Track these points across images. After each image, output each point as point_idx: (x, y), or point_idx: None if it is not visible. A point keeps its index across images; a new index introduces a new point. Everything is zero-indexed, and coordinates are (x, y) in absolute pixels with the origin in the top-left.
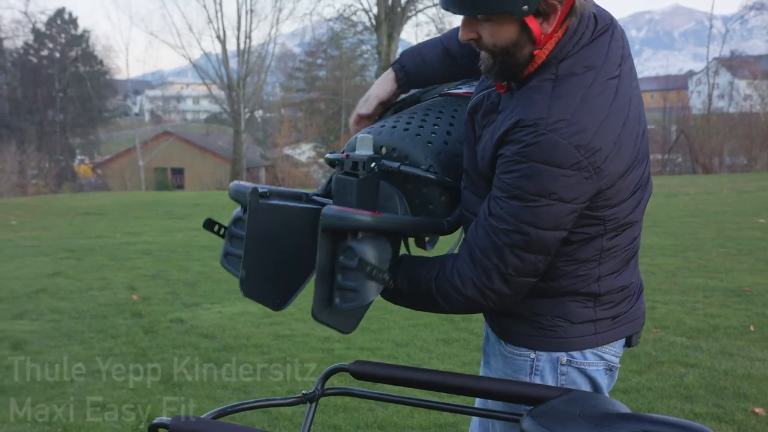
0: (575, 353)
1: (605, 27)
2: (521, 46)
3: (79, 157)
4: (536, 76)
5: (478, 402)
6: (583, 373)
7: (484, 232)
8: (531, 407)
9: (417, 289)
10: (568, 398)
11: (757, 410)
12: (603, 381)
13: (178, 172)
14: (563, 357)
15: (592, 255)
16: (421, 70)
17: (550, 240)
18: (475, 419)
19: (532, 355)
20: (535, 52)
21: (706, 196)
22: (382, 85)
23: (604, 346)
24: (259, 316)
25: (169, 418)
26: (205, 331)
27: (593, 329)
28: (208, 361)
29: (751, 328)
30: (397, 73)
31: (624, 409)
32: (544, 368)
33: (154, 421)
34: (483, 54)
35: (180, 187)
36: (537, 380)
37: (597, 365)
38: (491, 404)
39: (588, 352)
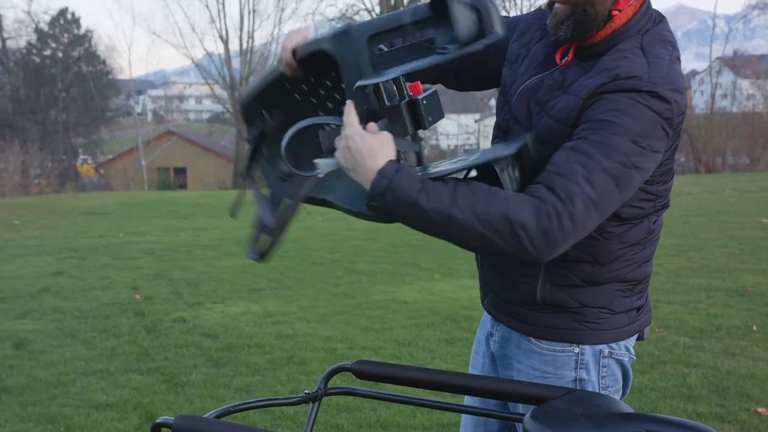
0: (614, 345)
1: (659, 14)
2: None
3: (81, 156)
4: (621, 44)
5: (472, 401)
6: (621, 364)
7: (571, 158)
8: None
9: (444, 214)
10: (570, 398)
11: (760, 410)
12: (631, 372)
13: (180, 171)
14: (605, 349)
15: (641, 238)
16: None
17: (634, 182)
18: (466, 419)
19: (576, 350)
20: (614, 12)
21: (708, 196)
22: None
23: (631, 337)
24: (262, 316)
25: (172, 417)
26: (208, 331)
27: (627, 319)
28: (210, 361)
29: (754, 327)
30: None
31: (627, 408)
32: (588, 362)
33: (157, 420)
34: (558, 7)
35: (183, 186)
36: (583, 374)
37: (629, 356)
38: (491, 404)
39: (622, 343)
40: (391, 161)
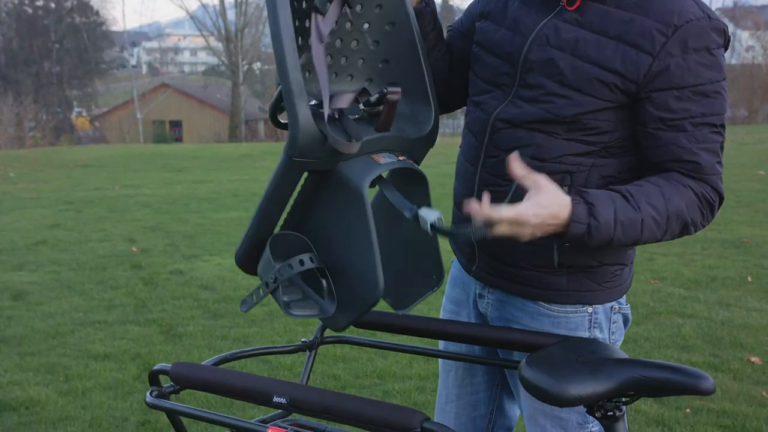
0: (621, 299)
1: None
2: None
3: (76, 109)
4: None
5: (458, 349)
6: (625, 316)
7: (696, 149)
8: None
9: (632, 229)
10: (566, 345)
11: (753, 359)
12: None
13: (176, 124)
14: (615, 305)
15: None
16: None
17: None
18: (449, 378)
19: (590, 310)
20: None
21: None
22: None
23: None
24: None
25: (170, 365)
26: (205, 283)
27: (629, 271)
28: (207, 312)
29: (749, 279)
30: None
31: (622, 355)
32: (601, 320)
33: (155, 368)
34: None
35: (178, 139)
36: (597, 333)
37: (627, 306)
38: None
39: (624, 295)
40: (573, 207)
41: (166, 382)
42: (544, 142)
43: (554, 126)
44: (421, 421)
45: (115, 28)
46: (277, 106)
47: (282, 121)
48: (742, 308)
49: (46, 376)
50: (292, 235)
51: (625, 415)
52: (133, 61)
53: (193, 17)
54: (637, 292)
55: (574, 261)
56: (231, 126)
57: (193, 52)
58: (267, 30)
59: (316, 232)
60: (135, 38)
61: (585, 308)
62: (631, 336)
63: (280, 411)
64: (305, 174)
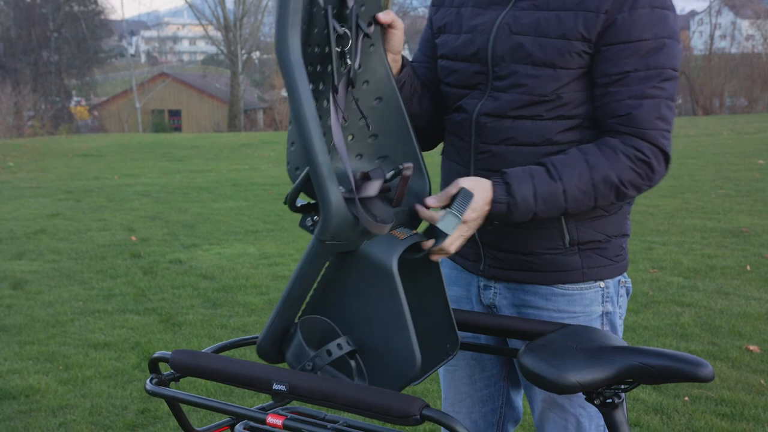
0: (624, 273)
1: None
2: None
3: (75, 98)
4: None
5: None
6: (627, 290)
7: (631, 105)
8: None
9: (553, 201)
10: (565, 332)
11: (751, 347)
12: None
13: (175, 114)
14: (622, 279)
15: None
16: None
17: (678, 84)
18: (456, 376)
19: (602, 285)
20: None
21: (705, 138)
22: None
23: None
24: (258, 257)
25: (170, 352)
26: (204, 272)
27: (627, 243)
28: (207, 302)
29: (748, 268)
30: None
31: (621, 342)
32: (612, 294)
33: (155, 355)
34: None
35: (177, 129)
36: (609, 307)
37: (629, 280)
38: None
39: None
40: (494, 188)
41: (166, 369)
42: (532, 127)
43: (537, 107)
44: (421, 408)
45: (113, 16)
46: (299, 192)
47: (299, 205)
48: (740, 297)
49: (45, 364)
50: (318, 319)
51: (624, 403)
52: (131, 50)
53: (191, 6)
54: (636, 281)
55: (581, 237)
56: (230, 115)
57: (192, 41)
58: (266, 19)
59: (340, 312)
60: (133, 27)
61: (598, 284)
62: (629, 325)
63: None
64: None
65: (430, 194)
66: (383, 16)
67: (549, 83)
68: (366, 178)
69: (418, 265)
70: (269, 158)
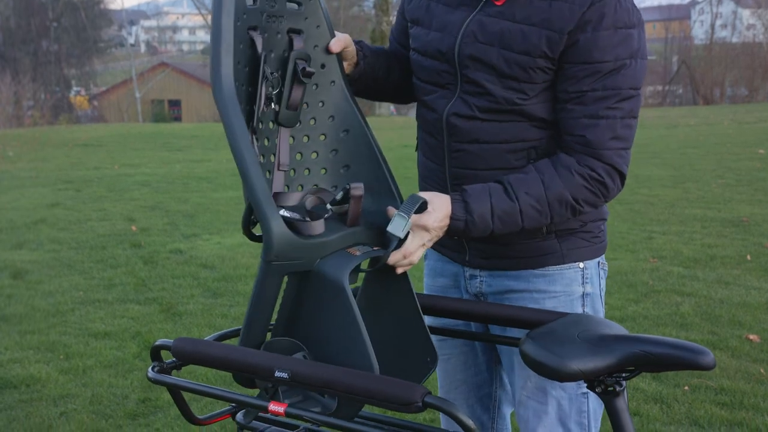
0: (602, 256)
1: None
2: None
3: (75, 88)
4: None
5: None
6: (605, 272)
7: (586, 124)
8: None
9: (510, 219)
10: (565, 321)
11: (751, 337)
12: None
13: (175, 104)
14: (601, 260)
15: None
16: (373, 51)
17: (640, 101)
18: (450, 364)
19: (581, 265)
20: None
21: (706, 128)
22: (347, 36)
23: None
24: (258, 247)
25: (171, 340)
26: (205, 262)
27: (605, 226)
28: (207, 291)
29: (748, 257)
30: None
31: (622, 330)
32: (592, 275)
33: (157, 343)
34: None
35: (177, 119)
36: (588, 288)
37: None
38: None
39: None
40: (452, 204)
41: (167, 357)
42: (503, 127)
43: (505, 114)
44: (423, 395)
45: (113, 6)
46: (249, 219)
47: (256, 234)
48: (741, 287)
49: (46, 354)
50: (283, 340)
51: (626, 391)
52: (131, 40)
53: None
54: (636, 270)
55: (558, 225)
56: None
57: (192, 30)
58: None
59: (306, 330)
60: (133, 17)
61: (577, 264)
62: (629, 314)
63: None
64: (286, 277)
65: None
66: (334, 46)
67: (515, 94)
68: (321, 201)
69: (388, 283)
70: None
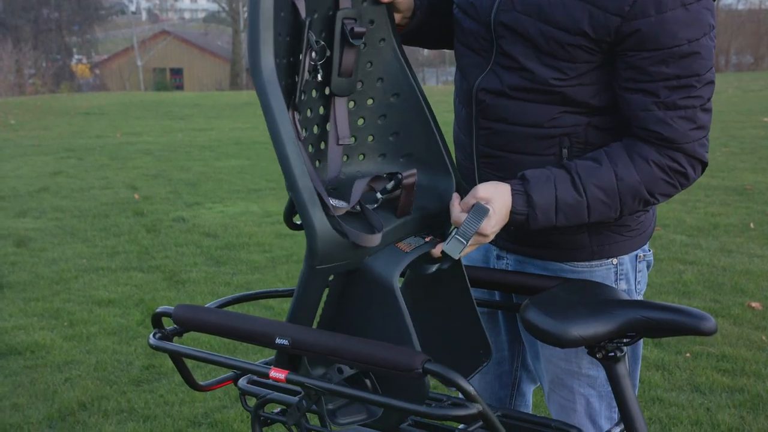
0: (645, 246)
1: None
2: None
3: (76, 56)
4: None
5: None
6: (648, 263)
7: (661, 117)
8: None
9: (575, 213)
10: (568, 287)
11: (753, 304)
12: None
13: (177, 72)
14: (640, 254)
15: None
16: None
17: (714, 84)
18: None
19: (615, 261)
20: None
21: None
22: None
23: None
24: (261, 216)
25: (173, 307)
26: (207, 230)
27: (652, 216)
28: (210, 259)
29: (751, 225)
30: None
31: (624, 297)
32: (627, 271)
33: (158, 310)
34: None
35: (179, 87)
36: (623, 285)
37: (651, 252)
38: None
39: (648, 242)
40: (513, 197)
41: (169, 324)
42: (533, 108)
43: (539, 95)
44: (423, 361)
45: None
46: (291, 212)
47: (297, 223)
48: (743, 254)
49: (50, 321)
50: None
51: (627, 357)
52: (132, 8)
53: None
54: None
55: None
56: (232, 74)
57: None
58: None
59: (352, 330)
60: None
61: (610, 261)
62: None
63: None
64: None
65: (459, 192)
66: None
67: (551, 72)
68: (371, 189)
69: (443, 273)
70: None
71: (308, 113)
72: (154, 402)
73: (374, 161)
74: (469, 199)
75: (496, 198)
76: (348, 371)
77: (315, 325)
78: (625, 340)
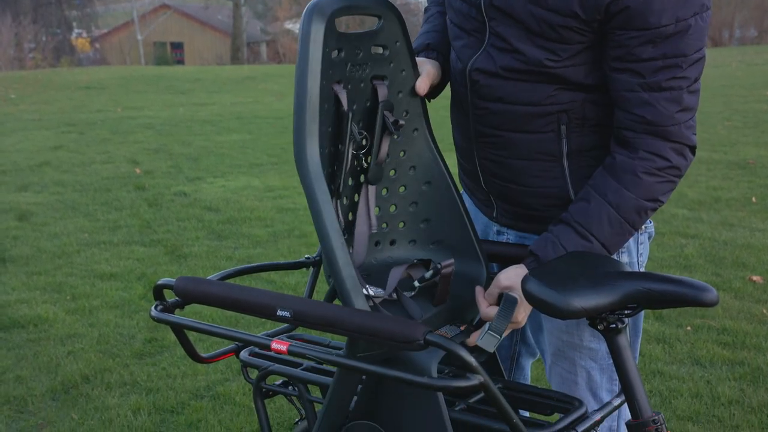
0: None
1: None
2: None
3: (76, 30)
4: None
5: None
6: (649, 234)
7: (646, 99)
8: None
9: (589, 243)
10: (569, 258)
11: (754, 278)
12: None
13: (177, 46)
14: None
15: None
16: (443, 41)
17: (703, 62)
18: None
19: None
20: None
21: (714, 70)
22: (431, 68)
23: None
24: (262, 190)
25: (174, 279)
26: (209, 204)
27: None
28: (212, 234)
29: (753, 199)
30: (432, 57)
31: (625, 268)
32: (629, 244)
33: (159, 282)
34: None
35: (180, 61)
36: (624, 258)
37: (652, 224)
38: None
39: None
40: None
41: (171, 297)
42: (528, 87)
43: (532, 75)
44: (424, 333)
45: None
46: (332, 299)
47: None
48: (745, 228)
49: (53, 294)
50: (364, 425)
51: (628, 329)
52: None
53: None
54: None
55: None
56: (233, 48)
57: None
58: None
59: (388, 416)
60: None
61: None
62: None
63: (285, 326)
64: None
65: (488, 279)
66: (420, 88)
67: (544, 53)
68: (409, 276)
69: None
70: (273, 91)
71: (344, 201)
72: (156, 375)
73: (405, 247)
74: (493, 290)
75: (519, 284)
76: None
77: (349, 416)
78: (626, 312)
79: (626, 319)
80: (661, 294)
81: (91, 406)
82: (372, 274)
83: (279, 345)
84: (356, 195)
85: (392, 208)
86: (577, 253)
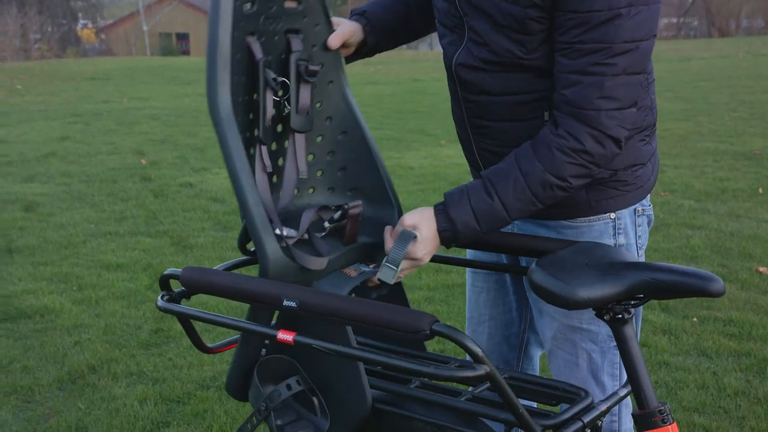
0: (645, 200)
1: None
2: None
3: (81, 21)
4: None
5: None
6: (648, 217)
7: (572, 80)
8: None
9: (494, 217)
10: (575, 249)
11: (761, 269)
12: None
13: (183, 37)
14: (639, 207)
15: (648, 76)
16: (381, 17)
17: (649, 51)
18: (479, 300)
19: (612, 216)
20: None
21: (720, 60)
22: (348, 27)
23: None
24: None
25: (180, 269)
26: (215, 195)
27: (651, 168)
28: (218, 224)
29: (760, 190)
30: (359, 22)
31: (632, 258)
32: (626, 225)
33: (166, 272)
34: None
35: (185, 52)
36: (621, 239)
37: (650, 206)
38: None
39: (648, 196)
40: (437, 218)
41: (177, 287)
42: (508, 78)
43: (509, 66)
44: (431, 323)
45: None
46: (245, 238)
47: (250, 249)
48: (752, 219)
49: (59, 285)
50: (278, 358)
51: (634, 319)
52: None
53: None
54: None
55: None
56: None
57: None
58: None
59: (303, 349)
60: None
61: (607, 215)
62: None
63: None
64: None
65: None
66: (332, 42)
67: (515, 46)
68: (320, 218)
69: (384, 298)
70: None
71: (273, 147)
72: (163, 365)
73: (323, 194)
74: (398, 228)
75: (422, 223)
76: (296, 387)
77: (265, 350)
78: (632, 302)
79: (632, 310)
80: (668, 284)
81: (97, 396)
82: (291, 218)
83: (285, 335)
84: (285, 142)
85: (310, 157)
86: (583, 243)
